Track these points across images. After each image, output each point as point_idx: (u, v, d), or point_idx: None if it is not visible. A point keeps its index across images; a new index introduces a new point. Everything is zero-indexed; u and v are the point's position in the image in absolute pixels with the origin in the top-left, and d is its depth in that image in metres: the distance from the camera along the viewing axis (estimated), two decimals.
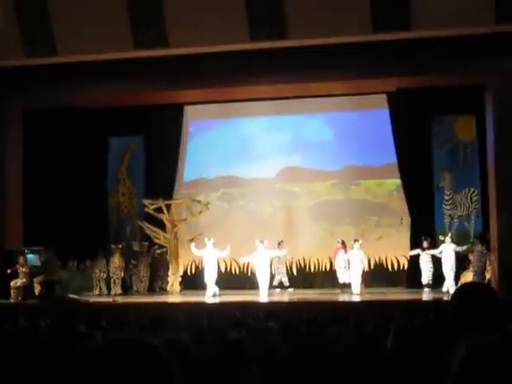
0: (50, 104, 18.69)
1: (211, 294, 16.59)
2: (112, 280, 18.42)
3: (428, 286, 17.09)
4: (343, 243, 17.83)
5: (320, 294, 17.18)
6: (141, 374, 1.55)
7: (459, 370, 1.49)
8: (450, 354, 1.64)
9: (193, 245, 17.39)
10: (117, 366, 1.55)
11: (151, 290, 18.71)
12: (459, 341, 2.44)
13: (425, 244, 17.21)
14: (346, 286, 17.45)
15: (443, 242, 17.05)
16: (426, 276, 17.17)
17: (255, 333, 5.86)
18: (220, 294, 16.74)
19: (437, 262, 16.93)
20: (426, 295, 16.45)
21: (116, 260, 18.41)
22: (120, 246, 18.74)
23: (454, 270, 16.48)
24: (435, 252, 16.86)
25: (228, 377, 4.07)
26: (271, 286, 17.69)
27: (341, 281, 17.63)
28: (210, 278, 16.86)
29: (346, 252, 17.58)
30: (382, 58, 15.87)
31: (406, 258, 18.37)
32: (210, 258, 16.94)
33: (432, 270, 17.09)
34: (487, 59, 15.73)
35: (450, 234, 17.26)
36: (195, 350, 3.40)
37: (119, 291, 18.18)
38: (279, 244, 18.02)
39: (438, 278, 16.97)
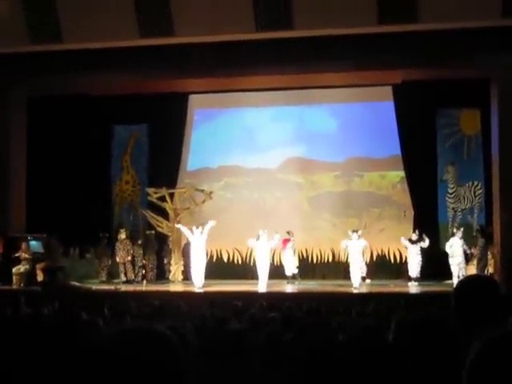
0: (54, 91, 18.69)
1: (201, 285, 16.36)
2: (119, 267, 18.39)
3: (416, 279, 16.82)
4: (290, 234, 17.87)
5: (322, 285, 17.20)
6: (152, 364, 1.55)
7: (475, 360, 1.49)
8: (452, 345, 1.64)
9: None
10: (129, 356, 1.55)
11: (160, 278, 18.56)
12: (462, 333, 2.45)
13: (413, 236, 17.10)
14: (295, 278, 17.52)
15: (453, 235, 16.94)
16: (415, 269, 16.90)
17: (257, 323, 5.88)
18: (222, 284, 16.75)
19: (443, 255, 16.85)
20: (415, 289, 16.16)
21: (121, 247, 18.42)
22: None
23: (460, 265, 16.30)
24: (446, 247, 16.61)
25: (229, 366, 4.08)
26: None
27: (288, 273, 17.59)
28: (196, 267, 16.64)
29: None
30: (387, 50, 15.80)
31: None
32: (197, 245, 16.72)
33: (421, 263, 16.86)
34: (493, 52, 15.68)
35: (461, 229, 16.89)
36: (196, 339, 3.40)
37: (124, 279, 18.14)
38: (356, 232, 16.74)
39: (438, 271, 16.94)
